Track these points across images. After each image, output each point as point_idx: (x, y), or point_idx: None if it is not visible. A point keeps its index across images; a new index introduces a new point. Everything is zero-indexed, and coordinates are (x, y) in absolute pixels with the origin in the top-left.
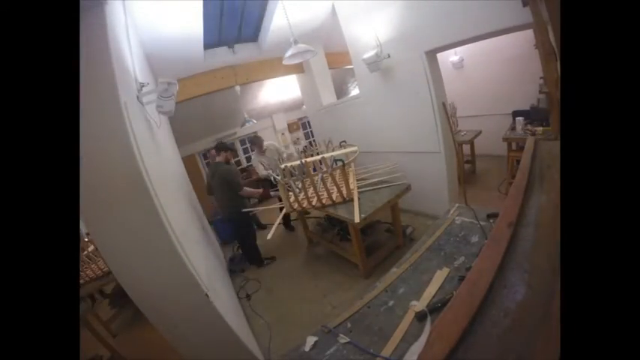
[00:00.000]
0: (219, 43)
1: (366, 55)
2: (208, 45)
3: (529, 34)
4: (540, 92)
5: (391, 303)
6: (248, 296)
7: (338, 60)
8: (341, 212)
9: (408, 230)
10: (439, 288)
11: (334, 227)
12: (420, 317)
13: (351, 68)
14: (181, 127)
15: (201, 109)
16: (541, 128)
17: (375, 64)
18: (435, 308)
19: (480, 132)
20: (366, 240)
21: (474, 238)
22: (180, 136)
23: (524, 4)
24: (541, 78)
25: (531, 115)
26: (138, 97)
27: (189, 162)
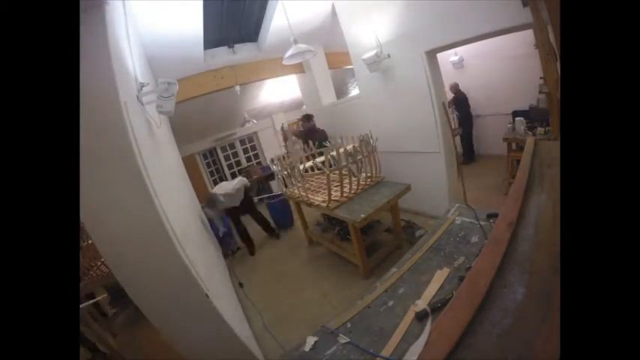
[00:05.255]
0: (219, 43)
1: (366, 55)
2: (208, 45)
3: (529, 34)
4: (540, 92)
5: (391, 303)
6: (241, 284)
7: (338, 60)
8: (340, 212)
9: (418, 232)
10: (439, 288)
11: (334, 227)
12: (420, 317)
13: (351, 68)
14: (181, 127)
15: (201, 109)
16: (541, 128)
17: (375, 64)
18: (435, 308)
19: (479, 133)
20: (366, 240)
21: (474, 238)
22: (180, 136)
23: (524, 4)
24: (541, 78)
25: (531, 115)
26: (138, 97)
27: (189, 162)
